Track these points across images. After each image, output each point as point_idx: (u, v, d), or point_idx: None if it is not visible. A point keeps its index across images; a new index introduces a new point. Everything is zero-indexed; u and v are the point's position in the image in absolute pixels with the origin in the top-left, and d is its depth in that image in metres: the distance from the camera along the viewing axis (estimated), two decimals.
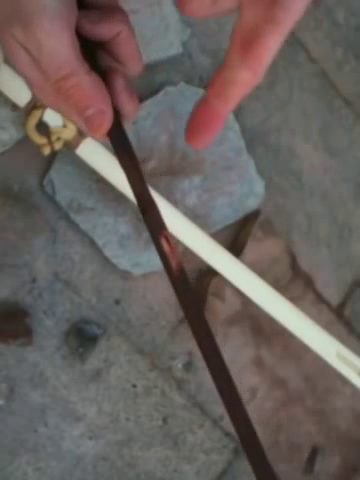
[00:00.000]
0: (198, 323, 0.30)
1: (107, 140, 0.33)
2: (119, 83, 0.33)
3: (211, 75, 0.87)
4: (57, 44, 0.29)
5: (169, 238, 0.30)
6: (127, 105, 0.33)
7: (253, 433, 0.30)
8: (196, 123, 0.31)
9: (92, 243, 0.79)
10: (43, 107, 0.71)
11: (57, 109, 0.32)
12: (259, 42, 0.27)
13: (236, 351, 0.87)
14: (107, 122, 0.32)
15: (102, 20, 0.31)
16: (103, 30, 0.31)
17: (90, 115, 0.31)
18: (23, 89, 0.70)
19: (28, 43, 0.29)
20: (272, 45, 0.26)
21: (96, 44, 0.32)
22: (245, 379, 0.88)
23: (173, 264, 0.30)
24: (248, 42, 0.27)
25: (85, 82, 0.30)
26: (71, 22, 0.29)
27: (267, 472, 0.29)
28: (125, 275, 0.81)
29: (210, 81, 0.29)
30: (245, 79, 0.28)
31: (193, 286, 0.85)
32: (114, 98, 0.32)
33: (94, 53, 0.32)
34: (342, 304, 0.94)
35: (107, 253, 0.79)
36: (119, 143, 0.33)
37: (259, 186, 0.86)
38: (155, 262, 0.81)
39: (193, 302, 0.30)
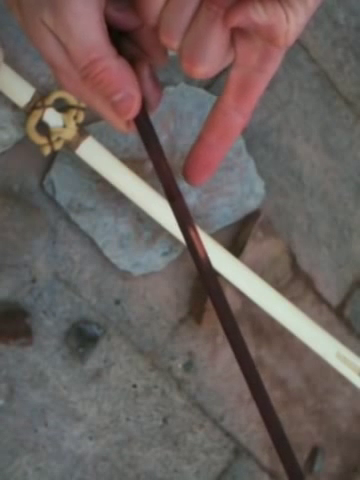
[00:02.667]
0: (223, 309, 0.31)
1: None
2: (145, 71, 0.32)
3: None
4: (87, 28, 0.29)
5: (195, 226, 0.31)
6: (152, 94, 0.33)
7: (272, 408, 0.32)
8: (195, 162, 0.33)
9: (92, 243, 0.79)
10: (43, 107, 0.71)
11: (81, 96, 0.32)
12: (252, 91, 0.31)
13: None
14: (136, 106, 0.31)
15: (129, 8, 0.31)
16: (130, 18, 0.31)
17: (119, 100, 0.31)
18: (23, 89, 0.70)
19: (57, 27, 0.29)
20: (261, 91, 0.31)
21: (121, 33, 0.32)
22: None
23: (200, 251, 0.31)
24: (242, 91, 0.31)
25: (114, 66, 0.30)
26: (100, 6, 0.29)
27: (286, 447, 0.33)
28: (125, 275, 0.81)
29: (206, 125, 0.32)
30: (240, 124, 0.31)
31: (193, 286, 0.85)
32: (139, 86, 0.32)
33: (119, 41, 0.32)
34: (342, 304, 0.94)
35: (107, 253, 0.79)
36: (146, 131, 0.33)
37: (259, 186, 0.86)
38: (155, 262, 0.81)
39: (218, 288, 0.31)
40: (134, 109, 0.31)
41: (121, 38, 0.32)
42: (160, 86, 0.33)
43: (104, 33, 0.29)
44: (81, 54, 0.29)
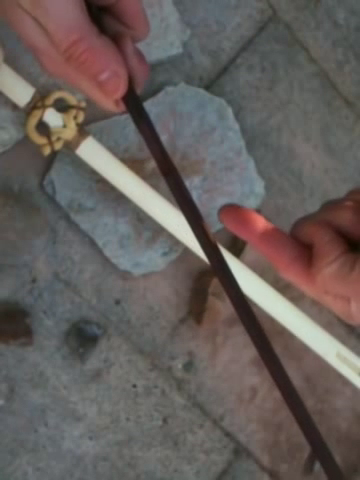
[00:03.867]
0: (228, 280, 0.30)
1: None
2: (128, 47, 0.31)
3: (211, 75, 0.87)
4: (65, 7, 0.28)
5: (192, 199, 0.31)
6: (138, 69, 0.32)
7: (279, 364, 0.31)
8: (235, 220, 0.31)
9: (92, 243, 0.79)
10: (43, 107, 0.71)
11: (67, 78, 0.31)
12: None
13: (236, 351, 0.87)
14: (123, 84, 0.31)
15: None
16: None
17: (105, 79, 0.30)
18: (23, 89, 0.70)
19: (35, 9, 0.28)
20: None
21: (101, 8, 0.31)
22: (245, 379, 0.88)
23: (201, 224, 0.30)
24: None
25: (97, 45, 0.29)
26: None
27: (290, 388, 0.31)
28: (125, 275, 0.81)
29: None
30: None
31: (193, 286, 0.85)
32: (125, 63, 0.31)
33: (100, 17, 0.31)
34: None
35: (107, 253, 0.79)
36: (134, 108, 0.32)
37: (259, 186, 0.86)
38: (155, 262, 0.81)
39: (217, 251, 0.30)
40: (122, 87, 0.31)
41: (101, 14, 0.31)
42: (145, 60, 0.32)
43: (83, 12, 0.29)
44: (62, 35, 0.29)
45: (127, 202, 0.76)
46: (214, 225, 0.83)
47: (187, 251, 0.78)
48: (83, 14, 0.29)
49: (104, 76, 0.30)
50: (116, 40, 0.31)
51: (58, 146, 0.72)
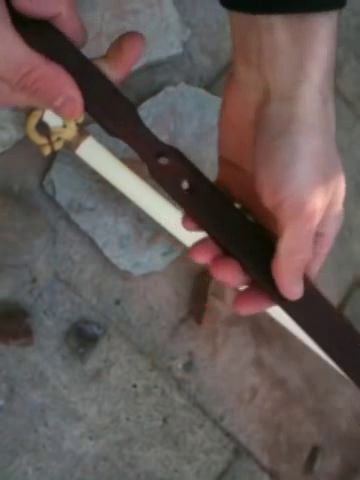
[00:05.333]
0: None
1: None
2: (63, 15, 0.32)
3: (211, 75, 0.87)
4: (7, 48, 0.29)
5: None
6: (77, 34, 0.33)
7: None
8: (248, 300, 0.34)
9: (92, 243, 0.79)
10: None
11: (30, 104, 0.32)
12: (310, 272, 0.34)
13: (236, 351, 0.87)
14: (79, 107, 0.32)
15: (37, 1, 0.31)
16: (43, 5, 0.31)
17: (60, 104, 0.31)
18: None
19: None
20: (318, 268, 0.34)
21: (43, 22, 0.32)
22: (245, 379, 0.88)
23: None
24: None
25: (47, 73, 0.30)
26: (5, 20, 0.29)
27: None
28: (125, 275, 0.81)
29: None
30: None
31: (193, 286, 0.85)
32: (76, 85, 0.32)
33: (43, 31, 0.32)
34: (342, 304, 0.94)
35: (107, 253, 0.79)
36: (97, 113, 0.33)
37: None
38: (155, 262, 0.81)
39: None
40: (77, 110, 0.32)
41: (44, 28, 0.32)
42: (80, 21, 0.33)
43: (24, 45, 0.30)
44: (12, 72, 0.30)
45: (127, 202, 0.76)
46: None
47: (187, 251, 0.78)
48: (25, 47, 0.30)
49: (59, 102, 0.31)
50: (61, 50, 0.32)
51: (58, 146, 0.72)
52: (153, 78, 0.81)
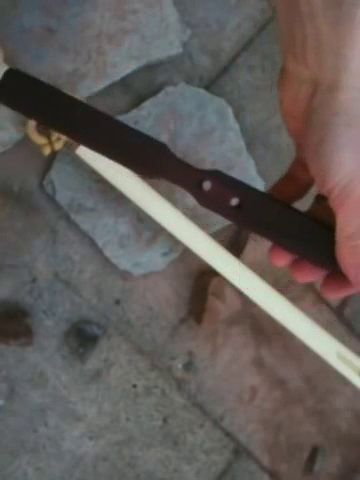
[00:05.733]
0: None
1: None
2: None
3: (211, 75, 0.87)
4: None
5: None
6: None
7: None
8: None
9: (92, 243, 0.79)
10: None
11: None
12: None
13: (236, 351, 0.87)
14: None
15: None
16: None
17: None
18: None
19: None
20: None
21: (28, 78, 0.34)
22: (245, 379, 0.88)
23: None
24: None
25: None
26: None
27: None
28: (125, 275, 0.81)
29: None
30: None
31: (193, 286, 0.85)
32: None
33: None
34: (342, 304, 0.94)
35: (107, 253, 0.79)
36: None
37: (259, 186, 0.86)
38: (155, 262, 0.81)
39: None
40: None
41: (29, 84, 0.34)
42: None
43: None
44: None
45: (127, 202, 0.76)
46: (214, 225, 0.83)
47: (187, 251, 0.78)
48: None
49: None
50: None
51: (58, 146, 0.72)
52: (153, 78, 0.81)
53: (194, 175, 0.34)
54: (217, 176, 0.35)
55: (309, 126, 0.32)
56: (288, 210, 0.35)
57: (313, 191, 0.38)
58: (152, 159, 0.34)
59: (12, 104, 0.33)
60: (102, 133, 0.32)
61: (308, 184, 0.38)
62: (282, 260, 0.36)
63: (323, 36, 0.30)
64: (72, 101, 0.33)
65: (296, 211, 0.35)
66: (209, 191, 0.34)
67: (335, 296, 0.35)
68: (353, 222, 0.32)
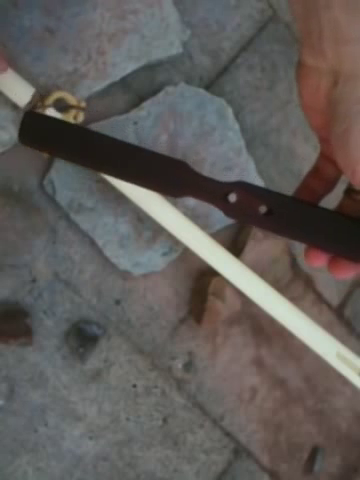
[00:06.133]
0: None
1: None
2: None
3: (211, 75, 0.87)
4: None
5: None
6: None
7: None
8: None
9: (92, 243, 0.79)
10: (43, 107, 0.71)
11: None
12: None
13: (236, 351, 0.87)
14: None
15: None
16: None
17: None
18: (23, 89, 0.70)
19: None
20: None
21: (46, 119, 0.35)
22: (245, 379, 0.88)
23: None
24: None
25: None
26: None
27: None
28: (125, 275, 0.81)
29: None
30: None
31: (193, 286, 0.85)
32: None
33: None
34: (342, 304, 0.94)
35: (107, 253, 0.79)
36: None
37: None
38: (155, 262, 0.81)
39: None
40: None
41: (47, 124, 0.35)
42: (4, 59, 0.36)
43: None
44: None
45: (127, 202, 0.76)
46: (214, 225, 0.83)
47: (187, 251, 0.78)
48: None
49: None
50: None
51: None
52: (153, 78, 0.81)
53: (219, 189, 0.34)
54: (242, 186, 0.35)
55: (332, 118, 0.32)
56: (317, 210, 0.35)
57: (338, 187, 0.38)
58: (176, 179, 0.34)
59: (35, 146, 0.34)
60: (124, 161, 0.33)
61: (335, 178, 0.37)
62: (318, 260, 0.35)
63: (341, 26, 0.30)
64: (90, 134, 0.34)
65: (326, 210, 0.35)
66: (236, 203, 0.34)
67: None
68: None
